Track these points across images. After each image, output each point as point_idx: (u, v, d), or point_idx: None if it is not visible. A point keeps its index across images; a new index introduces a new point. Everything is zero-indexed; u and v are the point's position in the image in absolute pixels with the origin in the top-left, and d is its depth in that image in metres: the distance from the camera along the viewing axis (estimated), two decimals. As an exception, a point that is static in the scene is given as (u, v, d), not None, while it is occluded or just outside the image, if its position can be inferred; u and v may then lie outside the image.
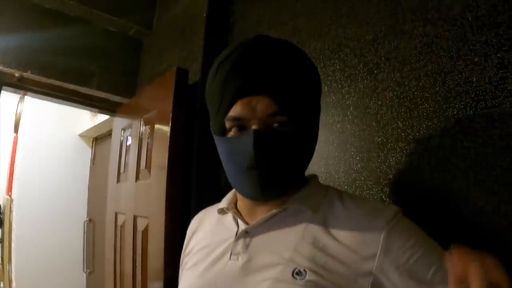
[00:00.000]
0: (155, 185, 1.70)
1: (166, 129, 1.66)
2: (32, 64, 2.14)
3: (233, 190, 0.87)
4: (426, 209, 0.97)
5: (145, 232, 1.74)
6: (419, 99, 1.03)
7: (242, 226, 0.79)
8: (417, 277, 0.64)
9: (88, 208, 4.27)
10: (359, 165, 1.15)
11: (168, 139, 1.61)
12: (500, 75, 0.88)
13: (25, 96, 3.77)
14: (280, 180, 0.72)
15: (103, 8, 2.36)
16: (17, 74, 2.10)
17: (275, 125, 0.70)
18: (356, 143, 1.17)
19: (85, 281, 4.07)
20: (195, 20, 1.96)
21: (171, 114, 1.62)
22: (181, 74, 1.72)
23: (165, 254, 1.53)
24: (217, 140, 0.77)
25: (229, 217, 0.84)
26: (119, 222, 2.10)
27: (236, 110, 0.69)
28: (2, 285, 3.93)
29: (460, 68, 0.96)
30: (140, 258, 1.77)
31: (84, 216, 4.22)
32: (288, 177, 0.74)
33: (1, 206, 4.13)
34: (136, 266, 1.81)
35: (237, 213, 0.82)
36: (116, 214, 2.17)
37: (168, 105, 1.66)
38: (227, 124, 0.72)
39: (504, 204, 0.83)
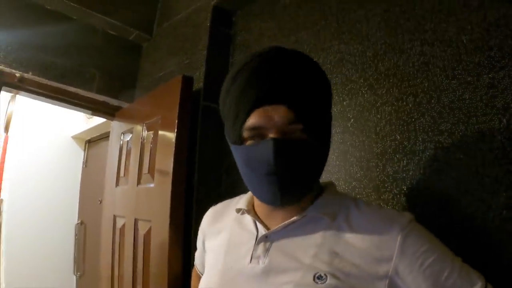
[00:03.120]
0: (159, 189, 1.74)
1: (171, 135, 1.71)
2: (33, 65, 2.15)
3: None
4: (421, 215, 1.05)
5: (147, 235, 1.78)
6: (416, 113, 1.11)
7: (262, 230, 0.81)
8: (430, 281, 0.67)
9: (79, 210, 4.23)
10: (358, 174, 1.23)
11: (174, 145, 1.66)
12: (490, 94, 0.96)
13: (17, 96, 3.77)
14: (297, 187, 0.75)
15: (105, 12, 2.37)
16: (18, 75, 2.10)
17: (293, 132, 0.72)
18: (356, 153, 1.25)
19: (75, 284, 4.04)
20: (198, 29, 2.02)
21: (176, 121, 1.67)
22: (187, 82, 1.77)
23: (169, 256, 1.57)
24: (235, 148, 0.79)
25: (248, 218, 0.86)
26: (118, 225, 2.13)
27: (253, 120, 0.71)
28: (-9, 286, 3.87)
29: (454, 86, 1.04)
30: (141, 260, 1.81)
31: (75, 219, 4.18)
32: (305, 184, 0.76)
33: (-10, 207, 4.07)
34: (137, 267, 1.85)
35: (257, 217, 0.84)
36: (114, 217, 2.19)
37: (173, 111, 1.70)
38: (245, 134, 0.74)
39: (492, 210, 0.92)
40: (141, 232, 1.85)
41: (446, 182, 1.01)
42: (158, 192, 1.75)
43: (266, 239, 0.79)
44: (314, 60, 0.82)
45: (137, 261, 1.86)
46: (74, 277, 4.02)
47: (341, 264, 0.70)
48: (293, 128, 0.72)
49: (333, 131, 1.32)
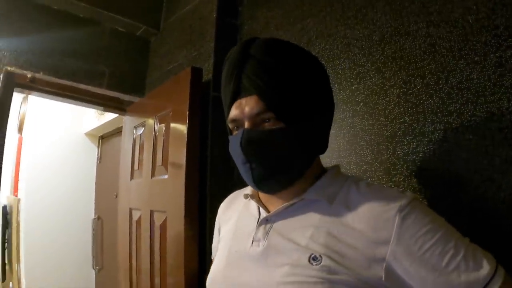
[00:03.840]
0: (173, 180, 1.78)
1: (183, 127, 1.74)
2: (44, 65, 2.19)
3: None
4: (432, 196, 1.06)
5: (163, 226, 1.82)
6: (424, 95, 1.11)
7: (263, 213, 0.84)
8: (429, 265, 0.64)
9: (95, 205, 4.32)
10: (369, 157, 1.24)
11: (186, 136, 1.69)
12: (498, 73, 0.96)
13: (29, 96, 3.82)
14: (275, 173, 0.77)
15: (111, 9, 2.40)
16: (29, 75, 2.14)
17: (266, 121, 0.75)
18: (366, 137, 1.26)
19: (94, 278, 4.14)
20: (204, 21, 2.04)
21: (187, 113, 1.70)
22: (196, 73, 1.79)
23: (185, 245, 1.61)
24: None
25: (253, 203, 0.90)
26: (134, 218, 2.17)
27: (232, 113, 0.77)
28: (11, 285, 3.95)
29: (461, 67, 1.04)
30: (158, 251, 1.85)
31: (91, 214, 4.27)
32: (284, 170, 0.77)
33: (7, 207, 4.15)
34: (154, 258, 1.89)
35: (259, 201, 0.88)
36: (130, 210, 2.24)
37: (184, 103, 1.73)
38: (230, 125, 0.80)
39: (502, 191, 0.92)
40: (157, 223, 1.88)
41: (456, 163, 1.01)
42: (172, 183, 1.78)
43: (266, 222, 0.82)
44: (312, 48, 0.83)
45: (154, 252, 1.90)
46: (93, 271, 4.11)
47: (337, 246, 0.70)
48: (265, 117, 0.74)
49: (342, 115, 1.33)
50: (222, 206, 1.08)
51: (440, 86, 1.08)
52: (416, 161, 1.11)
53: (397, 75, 1.19)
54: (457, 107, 1.03)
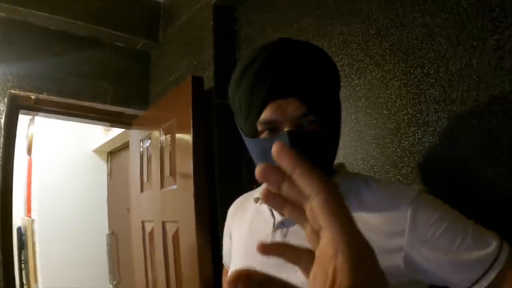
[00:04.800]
0: (182, 190, 1.79)
1: (188, 136, 1.75)
2: (47, 86, 2.22)
3: None
4: (441, 185, 1.05)
5: (176, 236, 1.83)
6: (425, 85, 1.11)
7: (278, 217, 0.83)
8: (443, 248, 0.68)
9: (109, 221, 4.35)
10: (375, 152, 1.23)
11: (191, 145, 1.70)
12: (497, 56, 0.96)
13: (35, 118, 3.87)
14: None
15: (109, 25, 2.43)
16: (33, 97, 2.17)
17: (305, 124, 0.74)
18: (371, 131, 1.25)
19: (112, 293, 4.17)
20: (202, 30, 2.05)
21: (191, 122, 1.71)
22: (197, 82, 1.80)
23: (198, 254, 1.61)
24: (249, 141, 0.81)
25: (265, 207, 0.89)
26: (147, 230, 2.19)
27: (267, 114, 0.74)
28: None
29: (460, 53, 1.03)
30: (172, 261, 1.86)
31: (105, 230, 4.30)
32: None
33: (22, 228, 4.19)
34: (169, 269, 1.90)
35: None
36: (143, 222, 2.25)
37: (187, 113, 1.74)
38: (259, 127, 0.76)
39: (511, 175, 0.91)
40: (170, 233, 1.89)
41: (463, 150, 1.01)
42: (182, 193, 1.79)
43: (283, 226, 0.82)
44: (320, 47, 0.83)
45: (169, 263, 1.91)
46: (111, 286, 4.13)
47: None
48: (306, 120, 0.74)
49: (345, 112, 1.33)
50: (231, 210, 1.07)
51: (441, 75, 1.07)
52: (423, 151, 1.10)
53: (397, 67, 1.19)
54: (459, 94, 1.03)
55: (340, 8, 1.40)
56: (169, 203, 1.94)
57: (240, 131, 0.85)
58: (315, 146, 0.75)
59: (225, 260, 1.11)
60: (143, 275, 2.24)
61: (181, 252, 1.78)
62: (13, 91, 2.11)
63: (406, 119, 1.15)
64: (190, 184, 1.69)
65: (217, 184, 1.77)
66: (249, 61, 0.78)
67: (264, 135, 0.77)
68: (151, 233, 2.12)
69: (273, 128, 0.76)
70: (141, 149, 2.36)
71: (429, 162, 1.09)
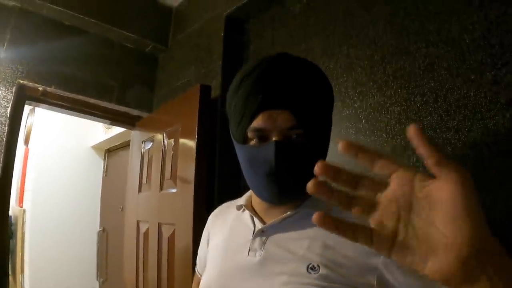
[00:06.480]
0: (182, 194, 1.83)
1: (192, 143, 1.80)
2: (55, 79, 2.26)
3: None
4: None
5: (171, 238, 1.86)
6: (423, 112, 1.17)
7: (259, 225, 0.85)
8: (419, 275, 0.70)
9: (101, 218, 4.35)
10: (371, 172, 1.28)
11: (195, 152, 1.74)
12: (493, 91, 1.02)
13: (36, 109, 3.87)
14: (295, 187, 0.77)
15: (121, 25, 2.48)
16: (41, 89, 2.20)
17: (294, 136, 0.77)
18: (369, 152, 1.30)
19: (97, 289, 4.16)
20: (212, 39, 2.11)
21: (196, 129, 1.76)
22: (205, 91, 1.85)
23: (193, 257, 1.64)
24: (239, 147, 0.84)
25: (246, 214, 0.90)
26: (142, 230, 2.21)
27: (258, 122, 0.76)
28: (14, 296, 3.96)
29: (459, 85, 1.09)
30: (166, 263, 1.89)
31: (96, 226, 4.31)
32: (303, 184, 0.78)
33: (12, 217, 4.17)
34: (161, 270, 1.93)
35: (254, 212, 0.88)
36: (138, 222, 2.28)
37: (193, 120, 1.79)
38: (250, 134, 0.79)
39: (499, 201, 0.96)
40: (165, 235, 1.93)
41: (455, 176, 1.06)
42: (181, 197, 1.83)
43: (263, 234, 0.83)
44: (320, 67, 0.87)
45: (162, 265, 1.94)
46: (97, 282, 4.13)
47: (333, 256, 0.73)
48: (294, 132, 0.77)
49: (346, 132, 1.38)
50: (212, 217, 1.08)
51: (439, 104, 1.13)
52: (417, 174, 1.15)
53: (398, 93, 1.25)
54: (455, 124, 1.08)
55: (348, 32, 1.46)
56: (167, 205, 1.97)
57: (231, 136, 0.88)
58: (300, 158, 0.77)
59: (197, 267, 1.10)
60: (133, 274, 2.25)
61: (176, 254, 1.81)
62: (21, 81, 2.13)
63: (403, 143, 1.20)
64: (190, 189, 1.73)
65: (216, 191, 1.81)
66: (248, 71, 0.81)
67: (253, 142, 0.80)
68: (146, 233, 2.15)
69: (262, 136, 0.78)
70: (142, 150, 2.40)
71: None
